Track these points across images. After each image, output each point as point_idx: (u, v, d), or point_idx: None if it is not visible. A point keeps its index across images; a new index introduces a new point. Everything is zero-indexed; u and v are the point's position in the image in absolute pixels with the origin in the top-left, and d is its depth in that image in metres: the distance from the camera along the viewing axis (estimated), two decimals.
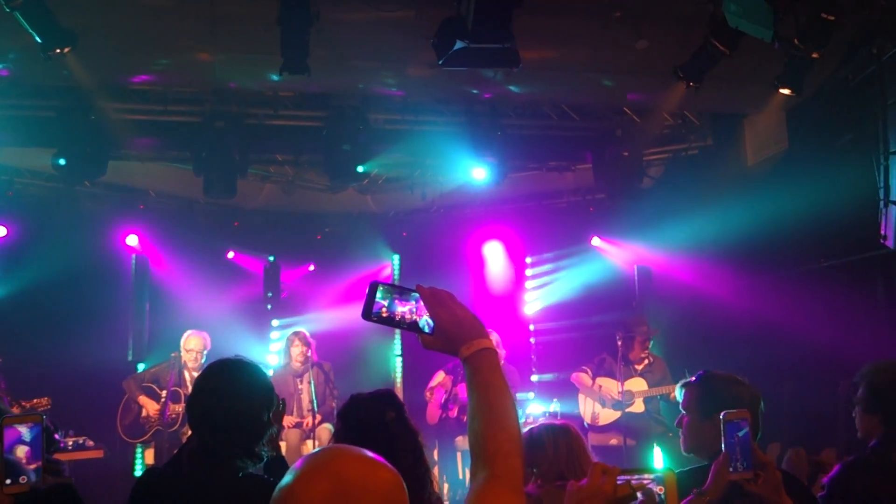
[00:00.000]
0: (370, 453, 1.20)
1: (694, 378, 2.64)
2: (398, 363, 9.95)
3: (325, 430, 6.98)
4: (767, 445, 6.32)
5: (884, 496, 2.63)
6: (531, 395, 7.46)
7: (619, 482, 1.56)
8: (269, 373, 7.05)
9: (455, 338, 1.46)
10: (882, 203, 5.63)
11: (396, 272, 10.09)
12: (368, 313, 1.48)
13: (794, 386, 6.97)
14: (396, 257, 10.14)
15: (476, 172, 7.91)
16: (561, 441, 2.87)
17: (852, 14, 5.44)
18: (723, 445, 1.99)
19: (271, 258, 9.25)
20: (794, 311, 6.98)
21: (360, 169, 7.50)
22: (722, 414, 1.98)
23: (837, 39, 5.47)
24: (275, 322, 9.50)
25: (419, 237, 9.98)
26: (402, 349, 9.86)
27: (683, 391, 2.67)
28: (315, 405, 6.84)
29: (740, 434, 1.98)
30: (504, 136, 7.62)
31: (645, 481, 1.61)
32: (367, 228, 9.79)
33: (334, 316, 8.97)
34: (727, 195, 7.49)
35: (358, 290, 9.63)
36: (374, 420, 2.40)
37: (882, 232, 5.75)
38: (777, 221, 7.01)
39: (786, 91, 5.81)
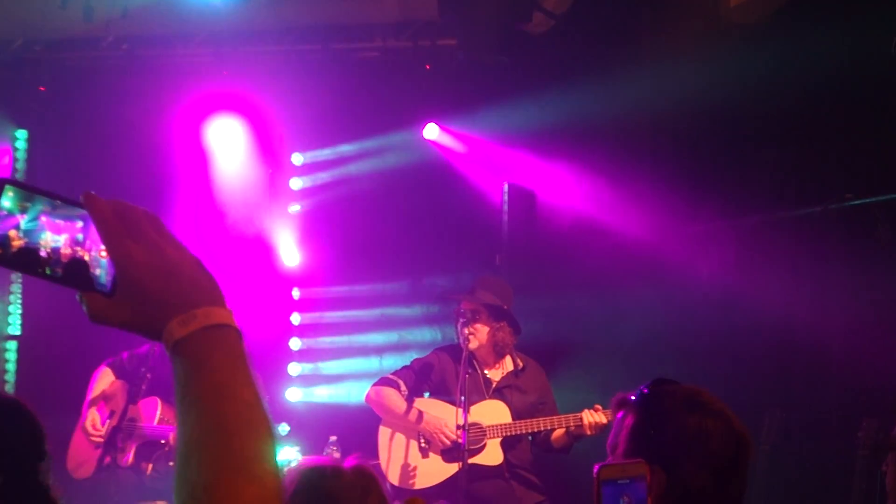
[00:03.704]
0: None
1: (635, 393, 2.83)
2: (12, 350, 9.91)
3: None
4: None
5: None
6: (284, 427, 7.71)
7: None
8: None
9: (159, 302, 1.50)
10: None
11: (22, 166, 9.96)
12: None
13: (781, 414, 7.25)
14: (23, 135, 10.08)
15: None
16: (350, 493, 3.17)
17: None
18: None
19: None
20: (789, 284, 7.62)
21: None
22: (596, 469, 2.13)
23: None
24: None
25: (74, 97, 9.80)
26: (22, 321, 9.81)
27: (616, 414, 2.87)
28: None
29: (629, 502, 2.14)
30: None
31: None
32: None
33: None
34: (684, 61, 7.80)
35: None
36: None
37: None
38: (769, 120, 7.60)
39: None
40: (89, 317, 1.52)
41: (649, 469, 2.18)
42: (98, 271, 1.53)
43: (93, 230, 1.53)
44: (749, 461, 2.73)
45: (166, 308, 1.50)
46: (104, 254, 1.53)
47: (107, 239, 1.52)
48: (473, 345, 7.28)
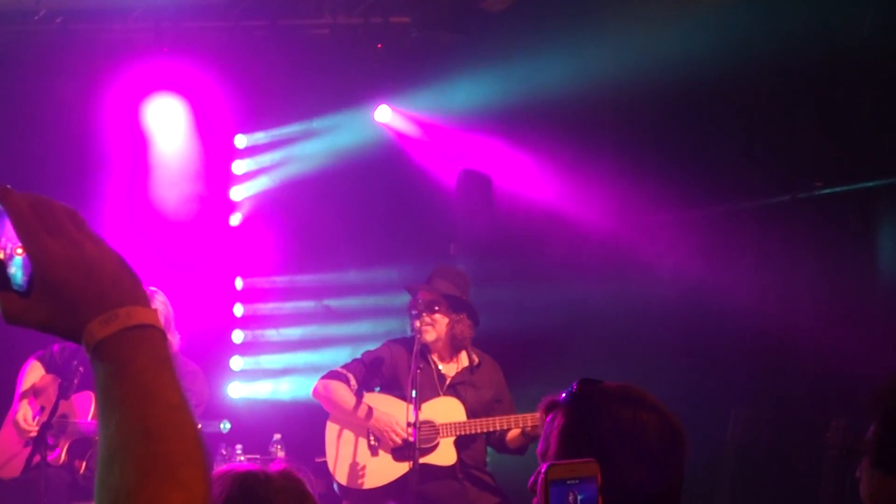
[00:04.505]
0: None
1: (564, 393, 2.84)
2: None
3: None
4: None
5: None
6: (226, 425, 7.52)
7: None
8: None
9: (79, 302, 1.49)
10: None
11: None
12: None
13: (748, 412, 7.29)
14: None
15: None
16: (287, 498, 3.10)
17: None
18: None
19: None
20: (757, 276, 7.65)
21: None
22: (543, 468, 2.15)
23: None
24: None
25: (3, 74, 9.59)
26: None
27: (545, 418, 2.88)
28: None
29: None
30: None
31: None
32: None
33: None
34: (647, 41, 7.85)
35: None
36: None
37: None
38: (737, 104, 7.57)
39: None
40: (5, 318, 1.51)
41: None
42: (14, 270, 1.51)
43: (8, 227, 1.50)
44: (684, 454, 2.76)
45: (86, 307, 1.48)
46: (20, 251, 1.50)
47: (23, 235, 1.49)
48: (430, 337, 7.32)
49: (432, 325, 7.33)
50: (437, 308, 7.35)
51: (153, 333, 1.50)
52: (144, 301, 1.52)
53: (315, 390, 7.45)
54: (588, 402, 2.78)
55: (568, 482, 2.15)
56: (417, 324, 7.21)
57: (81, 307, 1.49)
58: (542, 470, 2.17)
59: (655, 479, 2.69)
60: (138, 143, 9.76)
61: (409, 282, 7.84)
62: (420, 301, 7.30)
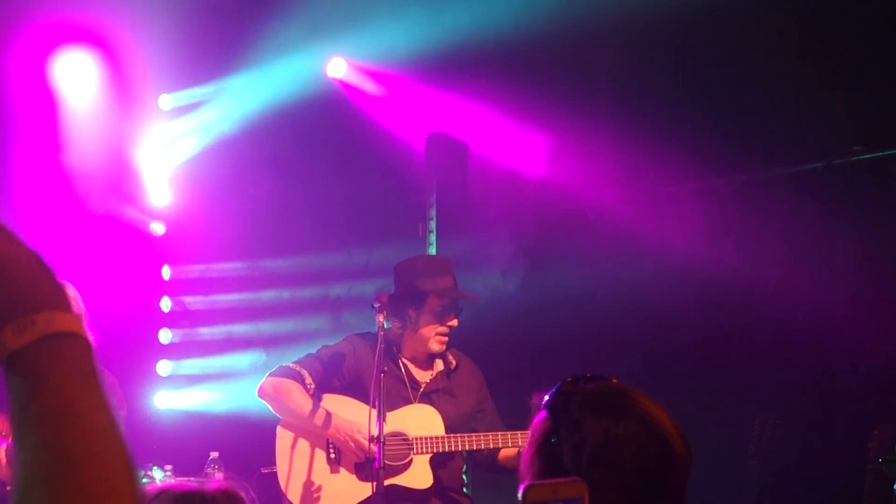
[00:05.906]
0: None
1: (546, 396, 2.91)
2: None
3: None
4: None
5: None
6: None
7: None
8: None
9: None
10: None
11: None
12: None
13: (775, 420, 7.37)
14: None
15: None
16: None
17: None
18: None
19: None
20: (786, 257, 7.74)
21: None
22: (521, 489, 2.17)
23: None
24: None
25: None
26: None
27: (534, 417, 2.97)
28: None
29: None
30: None
31: None
32: None
33: None
34: None
35: None
36: None
37: None
38: (761, 56, 7.66)
39: None
40: None
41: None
42: None
43: None
44: (682, 475, 2.72)
45: None
46: None
47: None
48: (400, 336, 7.29)
49: (407, 326, 7.37)
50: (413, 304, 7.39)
51: (76, 343, 1.52)
52: (66, 306, 1.53)
53: (261, 389, 7.35)
54: (564, 409, 2.80)
55: None
56: (379, 317, 7.09)
57: None
58: (521, 494, 2.12)
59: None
60: (45, 106, 9.57)
61: (369, 267, 8.07)
62: (381, 302, 7.20)
